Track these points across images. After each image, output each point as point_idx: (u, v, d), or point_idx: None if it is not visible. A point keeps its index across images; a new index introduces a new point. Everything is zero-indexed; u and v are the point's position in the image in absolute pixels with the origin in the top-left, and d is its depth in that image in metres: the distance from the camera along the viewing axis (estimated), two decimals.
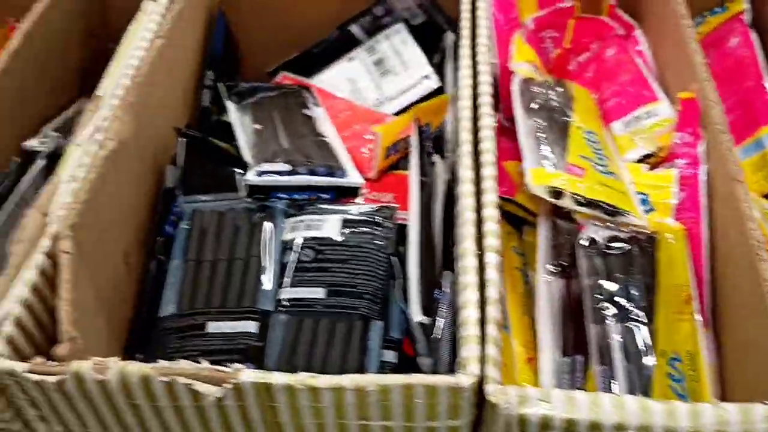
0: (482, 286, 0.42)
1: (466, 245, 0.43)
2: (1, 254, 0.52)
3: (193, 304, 0.50)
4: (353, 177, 0.56)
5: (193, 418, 0.39)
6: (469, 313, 0.40)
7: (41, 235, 0.44)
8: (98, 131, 0.51)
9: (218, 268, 0.52)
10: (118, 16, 0.79)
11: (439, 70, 0.72)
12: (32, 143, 0.61)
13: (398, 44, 0.72)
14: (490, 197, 0.46)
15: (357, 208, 0.54)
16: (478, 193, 0.48)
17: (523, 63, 0.65)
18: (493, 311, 0.40)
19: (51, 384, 0.37)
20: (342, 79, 0.71)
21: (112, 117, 0.51)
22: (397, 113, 0.69)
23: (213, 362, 0.46)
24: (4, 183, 0.57)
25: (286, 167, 0.54)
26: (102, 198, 0.48)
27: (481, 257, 0.44)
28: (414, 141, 0.58)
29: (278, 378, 0.36)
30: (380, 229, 0.53)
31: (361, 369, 0.47)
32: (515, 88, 0.61)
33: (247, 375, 0.36)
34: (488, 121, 0.51)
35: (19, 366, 0.37)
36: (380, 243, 0.52)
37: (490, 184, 0.47)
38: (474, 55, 0.58)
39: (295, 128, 0.60)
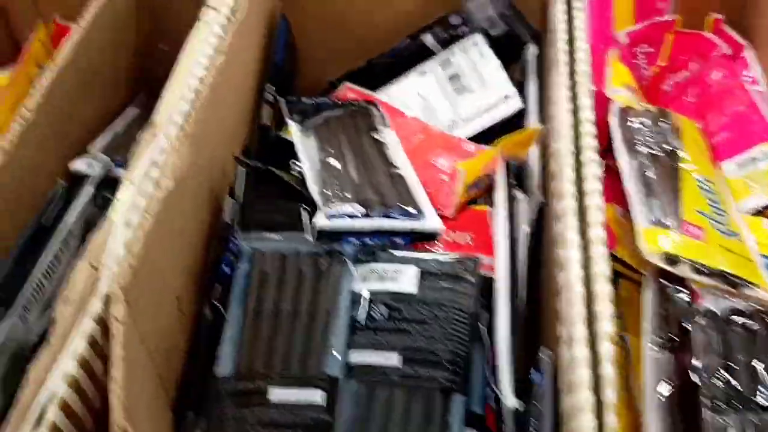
0: (597, 385, 0.36)
1: (577, 330, 0.37)
2: (45, 301, 0.47)
3: (253, 364, 0.45)
4: (432, 221, 0.50)
5: None
6: (584, 423, 0.34)
7: (91, 293, 0.39)
8: (154, 166, 0.45)
9: (281, 322, 0.47)
10: (168, 14, 0.74)
11: (519, 87, 0.65)
12: (80, 166, 0.56)
13: (476, 58, 0.65)
14: (602, 267, 0.40)
15: (436, 259, 0.48)
16: (586, 252, 0.42)
17: (621, 88, 0.58)
18: (611, 419, 0.34)
19: None
20: (412, 94, 0.65)
21: (169, 149, 0.46)
22: (474, 137, 0.62)
23: None
24: (50, 209, 0.52)
25: (359, 210, 0.48)
26: (157, 245, 0.43)
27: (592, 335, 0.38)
28: (501, 183, 0.51)
29: None
30: (463, 284, 0.47)
31: None
32: (614, 119, 0.54)
33: None
34: (594, 169, 0.45)
35: None
36: (463, 301, 0.46)
37: (600, 251, 0.41)
38: (573, 84, 0.51)
39: (366, 157, 0.54)
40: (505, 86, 0.63)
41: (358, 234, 0.48)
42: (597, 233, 0.42)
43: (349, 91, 0.68)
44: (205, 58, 0.52)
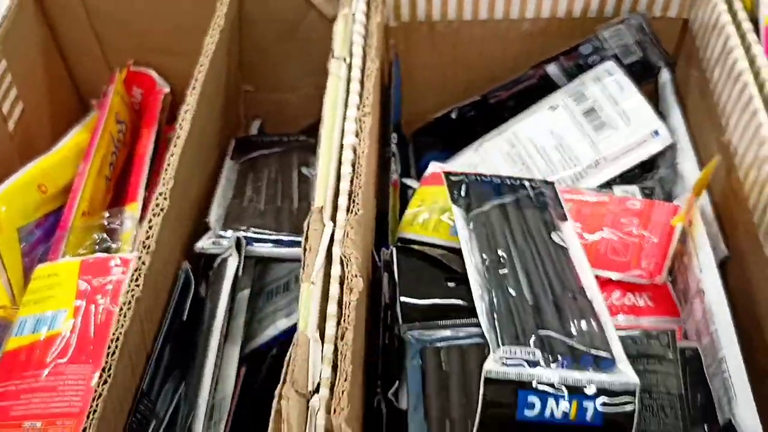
0: None
1: None
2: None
3: None
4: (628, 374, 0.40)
5: None
6: None
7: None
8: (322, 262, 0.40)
9: None
10: (249, 52, 0.68)
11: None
12: (206, 245, 0.50)
13: (613, 89, 0.59)
14: None
15: (631, 337, 0.44)
16: None
17: None
18: None
19: None
20: (544, 132, 0.59)
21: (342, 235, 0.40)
22: (619, 176, 0.57)
23: None
24: (184, 301, 0.47)
25: (539, 356, 0.39)
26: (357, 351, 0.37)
27: None
28: (702, 238, 0.46)
29: None
30: (664, 364, 0.42)
31: None
32: None
33: None
34: None
35: None
36: (670, 384, 0.42)
37: None
38: None
39: (546, 271, 0.45)
40: (651, 121, 0.57)
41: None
42: None
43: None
44: (351, 123, 0.46)
